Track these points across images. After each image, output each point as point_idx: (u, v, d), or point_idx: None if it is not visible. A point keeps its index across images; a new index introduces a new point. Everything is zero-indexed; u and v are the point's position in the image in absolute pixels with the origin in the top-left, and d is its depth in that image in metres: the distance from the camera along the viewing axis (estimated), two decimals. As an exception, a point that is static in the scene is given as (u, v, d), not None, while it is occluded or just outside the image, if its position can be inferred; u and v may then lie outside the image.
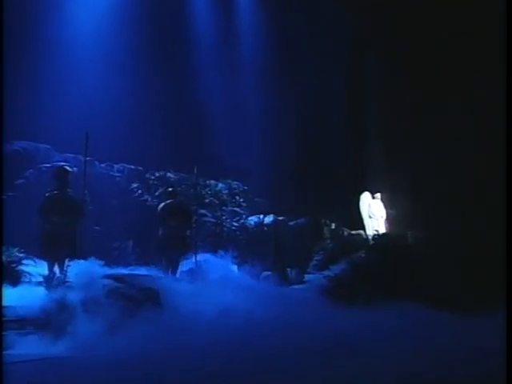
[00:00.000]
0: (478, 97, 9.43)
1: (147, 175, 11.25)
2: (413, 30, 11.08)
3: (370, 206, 11.94)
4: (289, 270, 9.99)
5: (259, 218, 11.18)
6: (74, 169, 8.97)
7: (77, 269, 6.99)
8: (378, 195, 11.98)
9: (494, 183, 7.12)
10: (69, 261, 7.20)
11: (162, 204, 9.10)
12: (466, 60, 10.11)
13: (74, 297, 6.31)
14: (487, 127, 8.44)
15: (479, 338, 5.45)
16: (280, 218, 11.19)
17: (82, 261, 7.31)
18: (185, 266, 8.79)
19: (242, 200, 11.88)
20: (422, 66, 11.06)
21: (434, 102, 10.86)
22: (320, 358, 5.25)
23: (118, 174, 10.93)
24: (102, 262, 7.61)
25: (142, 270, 8.32)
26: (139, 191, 10.81)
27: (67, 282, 6.62)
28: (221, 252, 9.61)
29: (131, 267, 8.51)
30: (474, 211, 8.55)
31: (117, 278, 6.97)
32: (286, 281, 9.49)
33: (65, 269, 6.95)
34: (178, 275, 8.55)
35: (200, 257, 9.10)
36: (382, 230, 11.43)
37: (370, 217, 11.84)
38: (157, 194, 10.80)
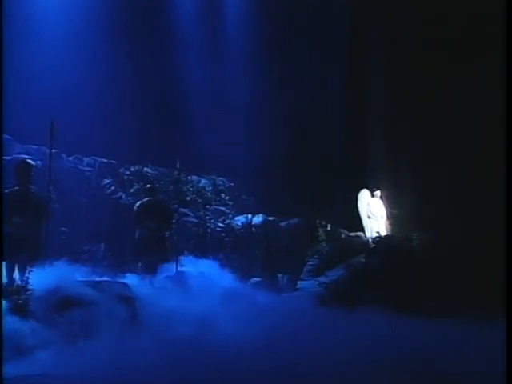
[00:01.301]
0: (486, 88, 9.59)
1: (121, 170, 11.16)
2: (414, 25, 11.26)
3: (369, 204, 11.90)
4: (280, 276, 10.04)
5: (247, 217, 11.16)
6: (38, 162, 8.78)
7: (40, 275, 6.78)
8: (378, 193, 11.93)
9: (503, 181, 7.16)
10: (31, 266, 6.97)
11: (139, 202, 9.06)
12: (469, 55, 10.40)
13: (36, 307, 6.10)
14: (494, 121, 8.58)
15: (485, 345, 5.65)
16: (270, 218, 11.20)
17: (46, 266, 7.11)
18: (164, 271, 8.72)
19: (227, 198, 11.83)
20: (425, 56, 11.21)
21: (441, 92, 10.96)
22: (316, 373, 5.17)
23: (87, 169, 10.80)
24: (70, 268, 7.43)
25: (115, 277, 8.21)
26: (112, 188, 10.71)
27: (29, 290, 6.38)
28: (204, 256, 9.58)
29: (103, 273, 8.36)
30: (485, 209, 8.57)
31: (87, 286, 6.83)
32: (276, 288, 9.43)
33: (26, 275, 6.71)
34: (156, 282, 8.43)
35: (181, 261, 9.05)
36: (384, 231, 11.38)
37: (369, 217, 11.80)
38: (132, 190, 10.76)
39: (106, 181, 10.77)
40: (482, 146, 9.75)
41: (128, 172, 11.14)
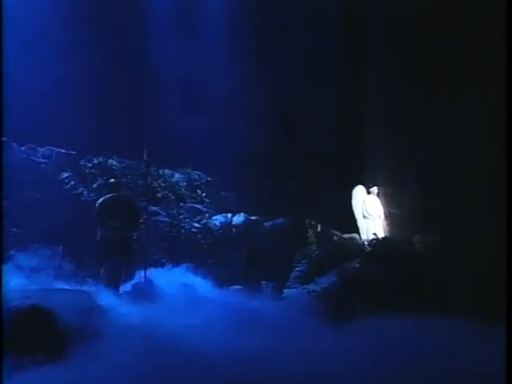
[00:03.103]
0: (488, 84, 9.88)
1: (82, 162, 11.16)
2: (414, 17, 11.52)
3: (364, 202, 11.97)
4: (264, 283, 9.94)
5: (226, 217, 11.16)
6: (-16, 153, 8.73)
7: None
8: (375, 190, 11.99)
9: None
10: (-24, 273, 6.84)
11: (101, 199, 9.03)
12: (469, 50, 10.77)
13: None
14: (496, 115, 8.84)
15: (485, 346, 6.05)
16: (253, 218, 11.19)
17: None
18: (131, 278, 8.71)
19: (204, 194, 11.84)
20: (425, 47, 11.47)
21: (442, 83, 11.16)
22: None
23: (43, 160, 10.73)
24: (22, 274, 7.56)
25: (74, 284, 8.23)
26: (72, 182, 10.69)
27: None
28: (177, 260, 9.60)
29: (60, 280, 8.37)
30: (495, 208, 8.65)
31: (41, 295, 6.73)
32: (260, 297, 9.34)
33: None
34: (121, 290, 8.45)
35: (150, 266, 9.06)
36: (382, 233, 11.44)
37: (365, 217, 11.86)
38: (95, 186, 10.77)
39: (65, 174, 10.72)
40: (487, 139, 9.90)
41: (90, 164, 11.11)
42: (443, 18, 11.23)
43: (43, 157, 10.78)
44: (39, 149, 10.82)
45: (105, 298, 7.55)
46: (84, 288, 7.94)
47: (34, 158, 10.59)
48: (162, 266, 9.44)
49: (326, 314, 8.16)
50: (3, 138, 8.48)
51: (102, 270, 8.59)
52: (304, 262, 10.61)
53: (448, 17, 11.18)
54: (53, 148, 10.92)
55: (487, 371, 5.46)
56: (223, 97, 12.40)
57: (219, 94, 12.41)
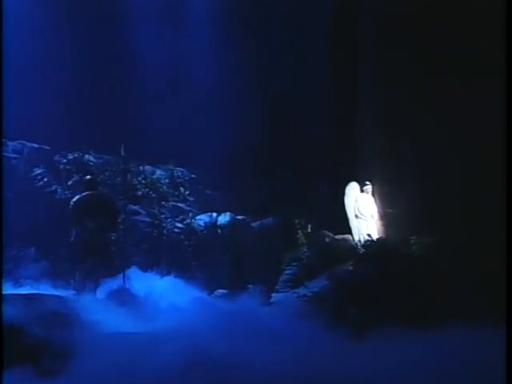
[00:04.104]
0: (488, 78, 9.99)
1: (57, 157, 11.14)
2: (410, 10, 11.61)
3: (356, 201, 11.92)
4: (251, 286, 9.97)
5: (211, 216, 11.16)
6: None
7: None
8: (369, 188, 11.96)
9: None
10: None
11: (76, 197, 9.10)
12: (471, 46, 10.87)
13: None
14: (497, 109, 8.93)
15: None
16: (239, 218, 11.19)
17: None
18: (108, 282, 8.72)
19: (187, 193, 11.80)
20: (421, 39, 11.56)
21: (441, 75, 11.16)
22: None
23: (13, 155, 10.76)
24: None
25: (48, 288, 8.25)
26: (45, 179, 10.73)
27: None
28: (159, 263, 9.69)
29: (33, 284, 8.46)
30: (494, 210, 8.68)
31: (12, 300, 6.73)
32: (246, 301, 9.31)
33: None
34: (98, 295, 8.44)
35: (130, 270, 9.08)
36: (375, 233, 11.42)
37: (357, 216, 11.81)
38: (70, 183, 10.77)
39: (38, 171, 10.76)
40: (487, 138, 9.94)
41: (65, 160, 11.09)
42: (443, 15, 11.30)
43: (14, 152, 10.78)
44: (9, 143, 10.76)
45: (80, 303, 7.49)
46: (57, 293, 7.88)
47: (4, 153, 10.48)
48: (142, 268, 9.40)
49: (318, 319, 8.13)
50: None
51: (77, 274, 8.62)
52: (294, 264, 10.55)
53: (448, 14, 11.25)
54: (24, 142, 10.92)
55: (487, 371, 5.62)
56: (209, 90, 12.33)
57: (205, 87, 12.33)
